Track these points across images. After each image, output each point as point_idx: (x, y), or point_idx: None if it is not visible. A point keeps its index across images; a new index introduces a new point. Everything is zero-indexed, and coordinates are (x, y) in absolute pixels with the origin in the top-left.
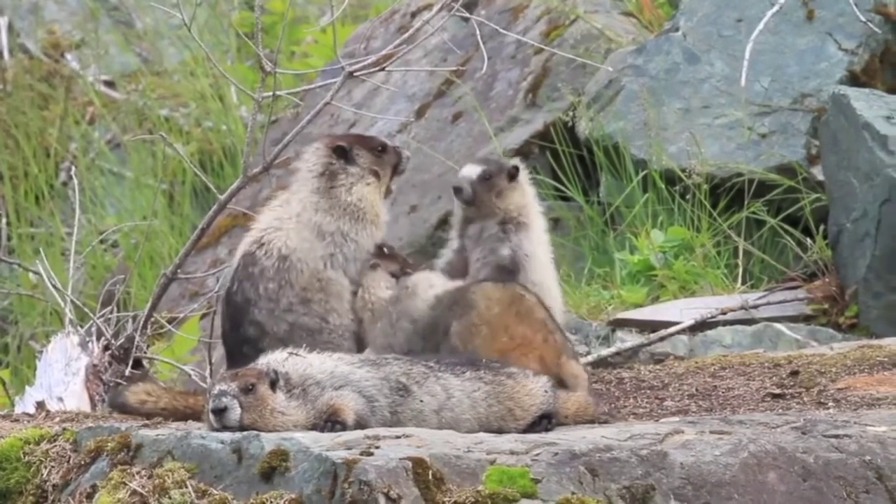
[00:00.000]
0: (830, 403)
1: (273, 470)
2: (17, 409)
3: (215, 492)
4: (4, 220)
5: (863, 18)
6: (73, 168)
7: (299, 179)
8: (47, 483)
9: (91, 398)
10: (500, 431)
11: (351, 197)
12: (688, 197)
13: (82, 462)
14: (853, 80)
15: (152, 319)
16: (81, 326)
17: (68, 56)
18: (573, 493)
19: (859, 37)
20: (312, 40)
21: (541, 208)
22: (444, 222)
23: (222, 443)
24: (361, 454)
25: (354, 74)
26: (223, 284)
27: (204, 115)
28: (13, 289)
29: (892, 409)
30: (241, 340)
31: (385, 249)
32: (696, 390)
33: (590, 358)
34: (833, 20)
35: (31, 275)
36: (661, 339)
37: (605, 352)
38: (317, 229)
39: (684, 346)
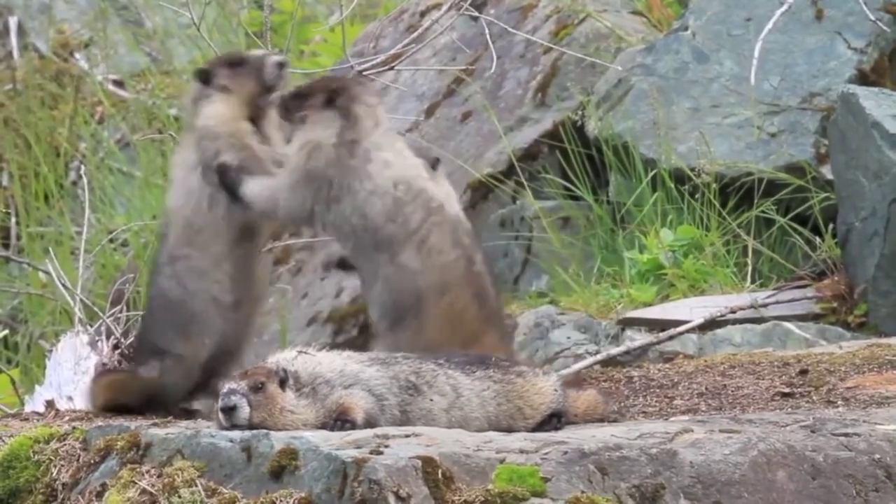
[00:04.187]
0: (840, 402)
1: (283, 469)
2: (27, 408)
3: (225, 490)
4: (14, 220)
5: (872, 17)
6: (83, 167)
7: None
8: (57, 482)
9: None
10: (509, 430)
11: (200, 120)
12: (697, 196)
13: (92, 461)
14: (862, 79)
15: None
16: (91, 325)
17: (78, 55)
18: (583, 492)
19: (868, 35)
20: (321, 39)
21: None
22: None
23: (232, 441)
24: (371, 453)
25: (363, 73)
26: None
27: None
28: (23, 288)
29: None
30: None
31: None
32: (706, 389)
33: (599, 357)
34: (842, 19)
35: (40, 274)
36: (671, 337)
37: (614, 350)
38: (183, 165)
39: (694, 344)
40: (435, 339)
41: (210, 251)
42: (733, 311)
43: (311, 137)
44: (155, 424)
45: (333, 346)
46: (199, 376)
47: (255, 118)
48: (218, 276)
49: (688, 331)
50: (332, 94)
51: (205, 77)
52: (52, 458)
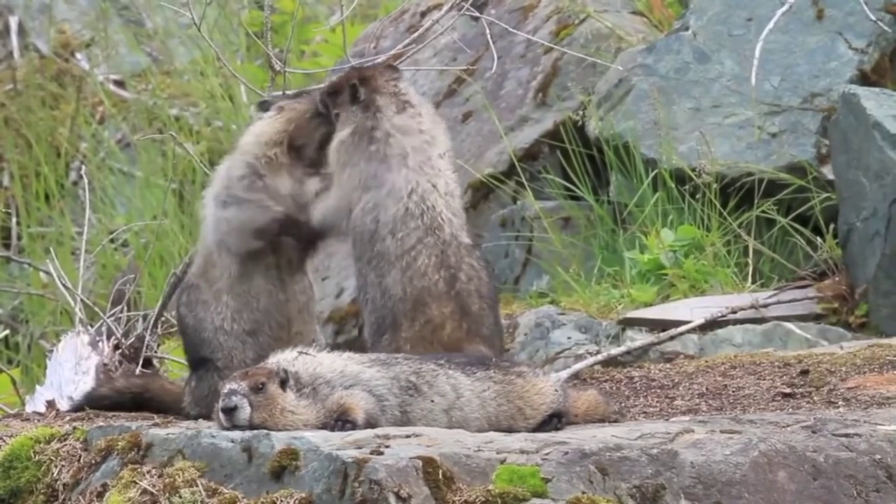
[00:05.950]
0: (840, 402)
1: (283, 469)
2: (28, 409)
3: (225, 491)
4: (15, 220)
5: (873, 17)
6: (84, 167)
7: None
8: (58, 482)
9: None
10: (510, 430)
11: (243, 138)
12: (698, 196)
13: (93, 461)
14: (863, 79)
15: (162, 319)
16: (92, 326)
17: (78, 55)
18: (583, 493)
19: (869, 36)
20: (322, 40)
21: None
22: None
23: (232, 442)
24: (371, 453)
25: None
26: None
27: (214, 115)
28: (24, 288)
29: None
30: None
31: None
32: (707, 389)
33: (600, 357)
34: (843, 19)
35: (41, 274)
36: (672, 338)
37: (615, 351)
38: (210, 199)
39: (694, 345)
40: (411, 353)
41: (214, 286)
42: (734, 312)
43: (341, 136)
44: (156, 425)
45: (334, 346)
46: None
47: (312, 146)
48: (219, 307)
49: (688, 331)
50: (355, 90)
51: (265, 106)
52: (52, 458)
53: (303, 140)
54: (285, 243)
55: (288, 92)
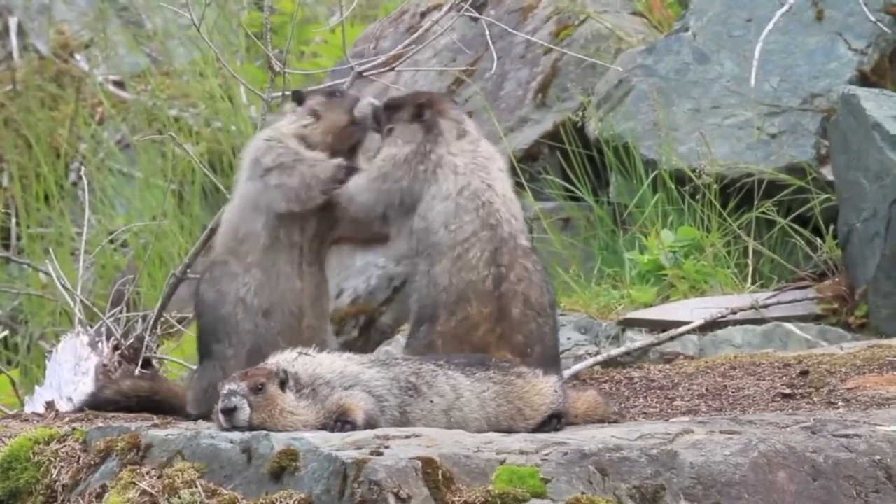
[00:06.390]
0: (840, 403)
1: (283, 470)
2: (27, 409)
3: (225, 492)
4: (14, 220)
5: (872, 18)
6: (83, 168)
7: None
8: (57, 483)
9: None
10: (509, 431)
11: (263, 132)
12: (698, 197)
13: (92, 462)
14: (863, 80)
15: (162, 319)
16: (91, 326)
17: (78, 56)
18: (583, 493)
19: (869, 37)
20: (322, 40)
21: None
22: None
23: (232, 443)
24: (371, 454)
25: (364, 74)
26: None
27: (213, 116)
28: (23, 288)
29: None
30: None
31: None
32: (706, 390)
33: (599, 357)
34: (843, 20)
35: (41, 275)
36: (671, 338)
37: (614, 351)
38: (240, 180)
39: (694, 345)
40: (444, 350)
41: (245, 259)
42: (734, 312)
43: (393, 151)
44: (155, 426)
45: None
46: None
47: (343, 150)
48: (246, 279)
49: (688, 332)
50: (420, 109)
51: (299, 98)
52: (52, 459)
53: (334, 148)
54: (310, 222)
55: (313, 88)
